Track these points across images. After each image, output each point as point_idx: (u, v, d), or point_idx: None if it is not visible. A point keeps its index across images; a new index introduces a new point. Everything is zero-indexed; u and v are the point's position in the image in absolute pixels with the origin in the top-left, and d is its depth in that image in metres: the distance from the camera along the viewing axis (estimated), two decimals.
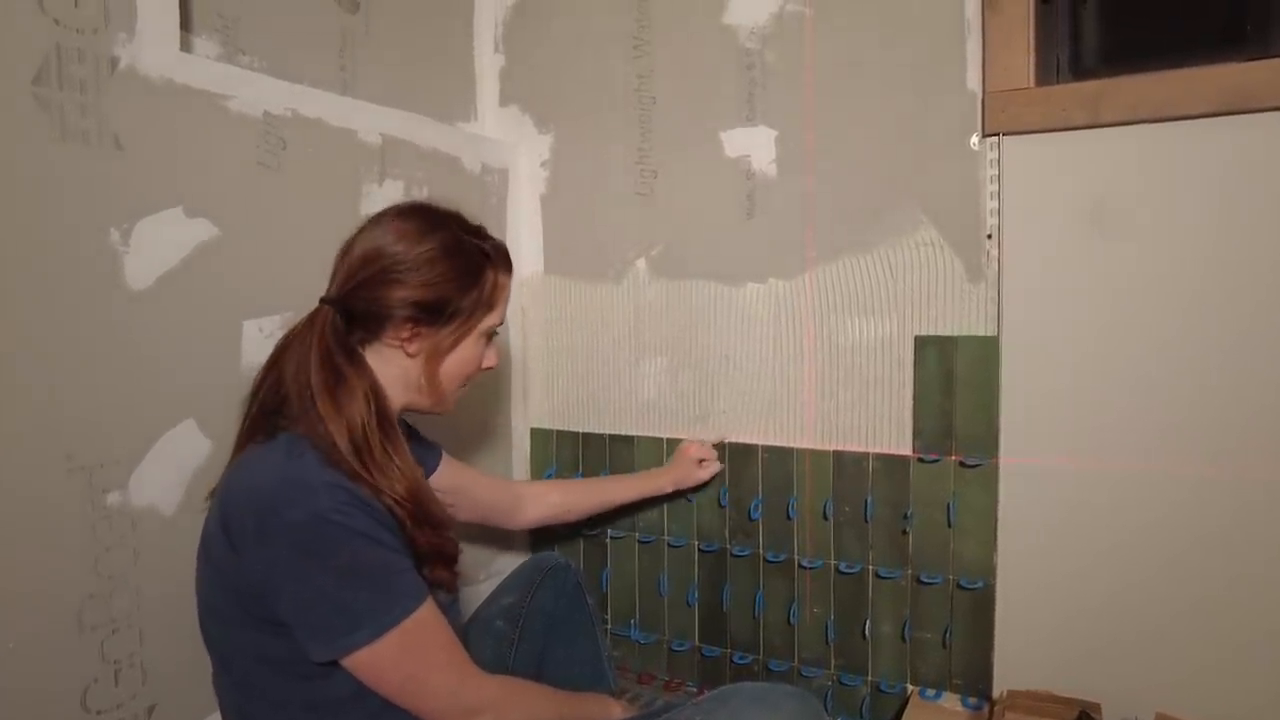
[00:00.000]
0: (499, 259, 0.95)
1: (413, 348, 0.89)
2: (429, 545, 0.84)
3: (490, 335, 0.96)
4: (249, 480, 0.80)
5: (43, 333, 0.83)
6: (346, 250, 0.90)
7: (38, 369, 0.83)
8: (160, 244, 0.94)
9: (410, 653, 0.78)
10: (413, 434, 1.11)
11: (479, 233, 0.95)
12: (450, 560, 0.88)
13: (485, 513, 1.24)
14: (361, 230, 0.91)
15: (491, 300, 0.94)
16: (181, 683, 0.97)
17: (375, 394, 0.86)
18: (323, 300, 0.89)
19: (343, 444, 0.80)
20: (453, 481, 1.15)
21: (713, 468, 1.41)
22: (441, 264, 0.88)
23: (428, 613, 0.79)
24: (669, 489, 1.40)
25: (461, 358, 0.93)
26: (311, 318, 0.88)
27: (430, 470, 1.12)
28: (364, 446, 0.81)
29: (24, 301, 0.82)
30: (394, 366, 0.90)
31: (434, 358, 0.91)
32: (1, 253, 0.80)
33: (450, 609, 0.91)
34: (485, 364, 0.97)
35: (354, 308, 0.87)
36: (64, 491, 0.86)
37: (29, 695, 0.83)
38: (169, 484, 0.96)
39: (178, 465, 0.97)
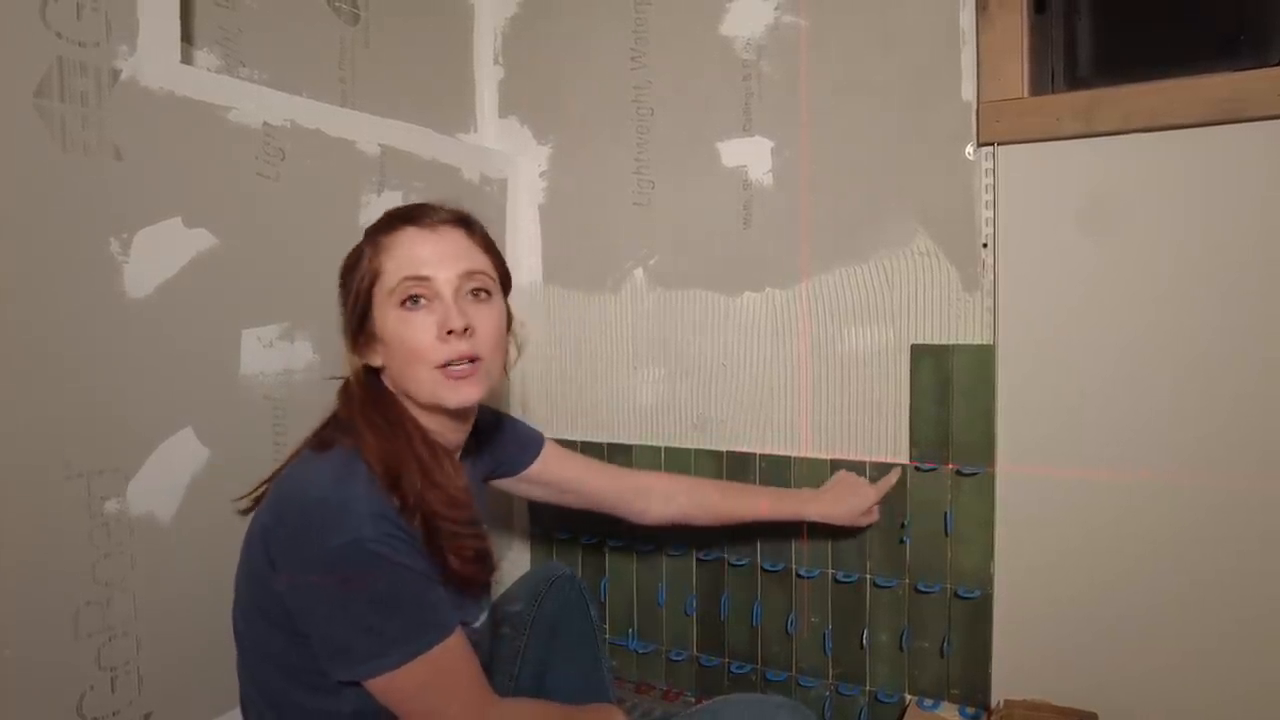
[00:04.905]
0: (385, 223, 0.90)
1: (365, 356, 0.90)
2: (459, 573, 0.84)
3: (409, 297, 0.85)
4: (298, 493, 0.81)
5: (43, 340, 0.84)
6: None
7: (37, 376, 0.84)
8: (160, 253, 0.95)
9: (433, 681, 0.79)
10: (503, 432, 1.12)
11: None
12: (476, 584, 0.88)
13: (602, 505, 1.22)
14: None
15: (374, 266, 0.87)
16: (178, 690, 0.97)
17: (405, 417, 0.87)
18: None
19: (381, 469, 0.81)
20: (558, 475, 1.16)
21: (873, 518, 1.27)
22: (345, 264, 0.91)
23: (455, 642, 0.80)
24: (813, 519, 1.26)
25: (386, 340, 0.86)
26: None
27: (524, 465, 1.14)
28: (393, 468, 0.82)
29: (24, 309, 0.83)
30: (390, 380, 0.90)
31: (368, 352, 0.89)
32: (2, 261, 0.81)
33: (481, 632, 0.93)
34: (428, 332, 0.84)
35: None
36: (62, 498, 0.86)
37: (25, 702, 0.83)
38: (167, 492, 0.96)
39: (176, 473, 0.97)
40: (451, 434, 0.93)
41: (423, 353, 0.85)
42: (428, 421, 0.89)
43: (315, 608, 0.77)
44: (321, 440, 0.86)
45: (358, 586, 0.75)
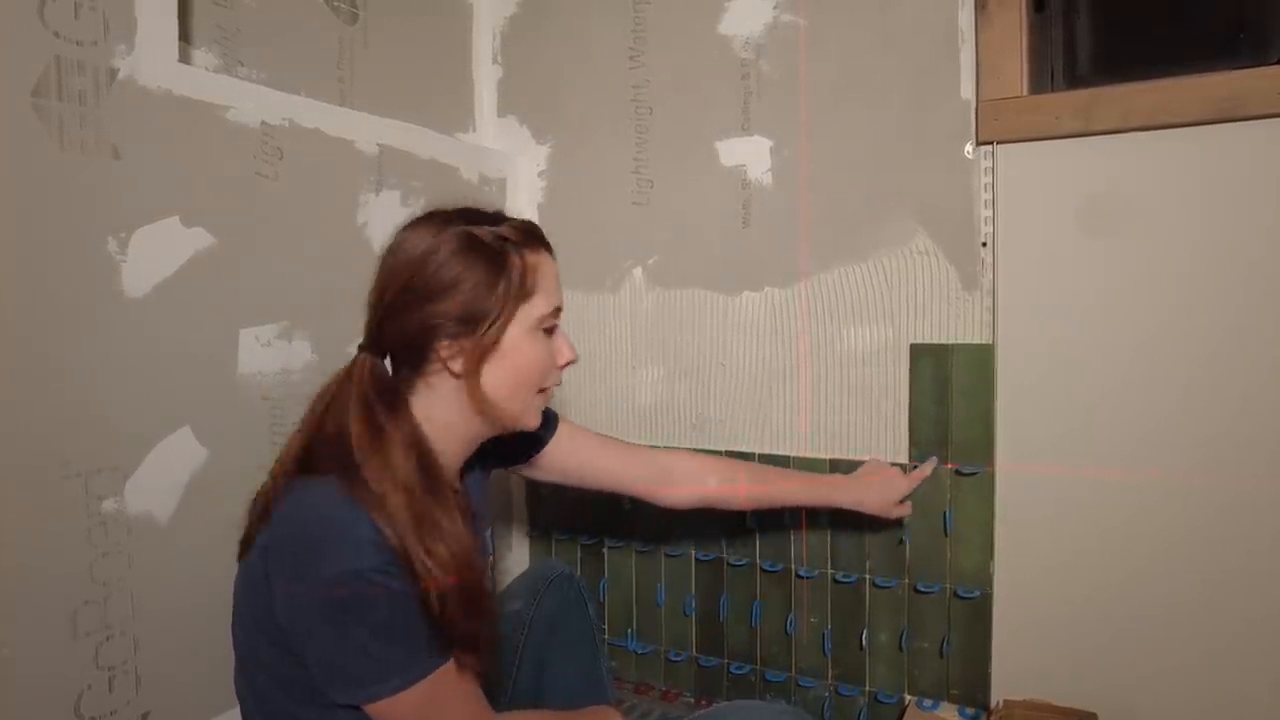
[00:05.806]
0: (523, 239, 0.86)
1: (457, 366, 0.82)
2: (463, 632, 0.80)
3: (548, 327, 0.87)
4: (300, 513, 0.78)
5: (40, 339, 0.84)
6: (370, 290, 0.86)
7: (35, 376, 0.84)
8: (157, 253, 0.95)
9: (433, 705, 0.78)
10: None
11: (495, 218, 0.87)
12: (476, 648, 0.82)
13: (621, 487, 1.15)
14: (378, 264, 0.87)
15: (526, 286, 0.84)
16: (175, 690, 0.97)
17: (420, 449, 0.81)
18: (360, 348, 0.85)
19: (392, 505, 0.76)
20: (573, 458, 1.10)
21: (905, 510, 1.24)
22: (457, 263, 0.82)
23: (455, 664, 0.79)
24: (845, 506, 1.22)
25: (517, 362, 0.84)
26: (348, 369, 0.85)
27: (535, 450, 1.08)
28: (409, 516, 0.76)
29: (22, 308, 0.83)
30: (450, 396, 0.84)
31: (485, 367, 0.83)
32: (0, 260, 0.81)
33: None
34: (560, 360, 0.89)
35: (389, 345, 0.84)
36: (60, 498, 0.86)
37: (22, 701, 0.83)
38: (165, 491, 0.96)
39: (173, 473, 0.97)
40: (475, 446, 0.91)
41: (546, 378, 0.89)
42: (466, 431, 0.87)
43: (312, 630, 0.76)
44: (318, 466, 0.80)
45: (357, 613, 0.74)
